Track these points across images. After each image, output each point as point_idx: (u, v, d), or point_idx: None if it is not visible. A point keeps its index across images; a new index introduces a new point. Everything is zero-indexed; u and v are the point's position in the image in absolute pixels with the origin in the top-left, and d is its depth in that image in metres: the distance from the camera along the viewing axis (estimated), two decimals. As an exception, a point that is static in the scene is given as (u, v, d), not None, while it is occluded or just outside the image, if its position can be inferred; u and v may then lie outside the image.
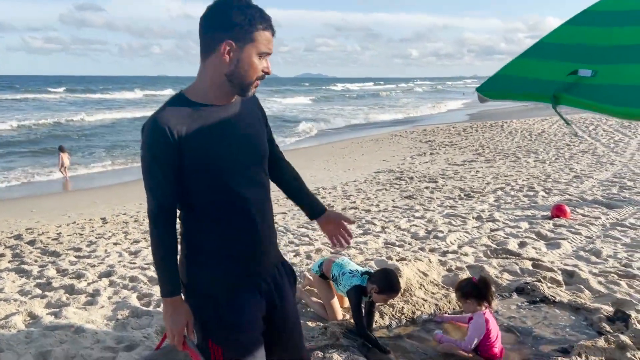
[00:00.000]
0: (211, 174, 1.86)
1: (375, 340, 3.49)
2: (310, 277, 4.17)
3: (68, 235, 7.18)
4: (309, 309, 4.05)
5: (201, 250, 1.95)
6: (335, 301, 3.91)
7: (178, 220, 1.96)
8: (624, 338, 3.37)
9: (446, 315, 3.57)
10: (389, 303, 3.98)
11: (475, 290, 3.40)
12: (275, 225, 7.07)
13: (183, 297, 1.97)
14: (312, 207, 2.34)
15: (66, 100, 49.35)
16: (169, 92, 54.48)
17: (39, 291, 4.80)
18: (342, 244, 2.36)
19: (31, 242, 6.73)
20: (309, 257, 5.57)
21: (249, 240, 1.97)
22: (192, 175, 1.85)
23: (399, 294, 3.62)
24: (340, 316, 3.87)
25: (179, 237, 1.94)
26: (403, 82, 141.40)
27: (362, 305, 3.62)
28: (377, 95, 61.46)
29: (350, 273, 3.73)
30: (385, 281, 3.54)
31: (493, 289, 3.55)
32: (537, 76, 2.83)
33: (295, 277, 2.24)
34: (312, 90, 74.62)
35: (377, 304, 3.77)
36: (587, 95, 2.56)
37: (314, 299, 4.06)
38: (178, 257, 1.96)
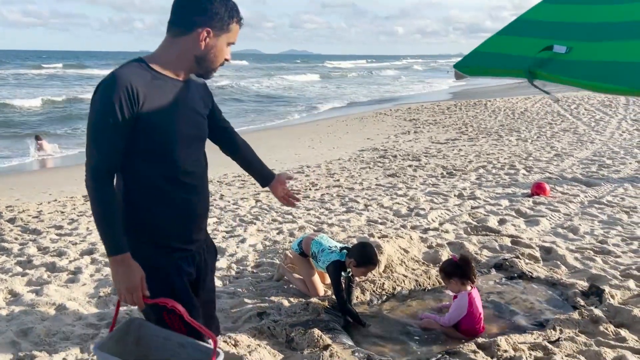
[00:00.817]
0: (160, 144, 1.92)
1: (356, 315, 3.55)
2: (291, 255, 4.20)
3: (49, 213, 7.12)
4: (291, 286, 4.09)
5: (142, 222, 1.99)
6: (316, 277, 3.95)
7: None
8: (597, 312, 3.47)
9: (426, 313, 3.63)
10: (369, 278, 4.04)
11: (457, 269, 3.44)
12: (259, 204, 7.08)
13: None
14: (263, 175, 2.53)
15: (70, 75, 47.29)
16: None
17: (19, 269, 4.77)
18: (291, 203, 2.58)
19: (11, 220, 6.66)
20: (292, 234, 5.60)
21: (189, 213, 2.06)
22: (142, 142, 1.89)
23: (378, 267, 3.66)
24: (321, 292, 3.92)
25: None
26: (392, 59, 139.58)
27: (342, 280, 3.67)
28: (376, 73, 59.37)
29: (329, 249, 3.78)
30: (363, 254, 3.60)
31: (474, 266, 3.60)
32: (514, 52, 2.86)
33: (216, 252, 2.39)
34: (309, 68, 72.58)
35: (356, 279, 3.82)
36: (561, 70, 2.59)
37: (296, 275, 4.10)
38: None
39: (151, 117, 1.87)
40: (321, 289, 3.94)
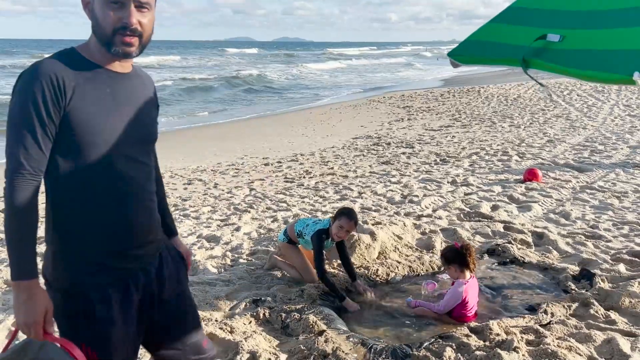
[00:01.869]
0: (93, 143, 1.66)
1: (333, 285, 3.68)
2: (280, 247, 4.22)
3: (42, 203, 7.09)
4: (286, 274, 4.12)
5: (70, 238, 1.71)
6: (308, 264, 3.98)
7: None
8: (587, 295, 3.52)
9: (420, 301, 3.65)
10: (363, 265, 4.08)
11: (456, 256, 3.46)
12: (253, 192, 7.07)
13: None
14: (167, 228, 2.10)
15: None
16: (177, 58, 52.59)
17: (14, 259, 4.77)
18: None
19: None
20: (286, 222, 5.63)
21: (125, 226, 1.76)
22: (71, 141, 1.64)
23: (354, 222, 3.80)
24: (315, 277, 3.94)
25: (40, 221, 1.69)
26: (391, 46, 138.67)
27: (325, 252, 3.83)
28: (390, 61, 57.43)
29: (313, 223, 3.94)
30: (341, 209, 3.89)
31: (475, 255, 3.61)
32: (508, 41, 2.87)
33: (183, 259, 2.07)
34: (317, 55, 70.67)
35: (339, 238, 3.88)
36: (554, 59, 2.61)
37: (288, 262, 4.13)
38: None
39: (82, 111, 1.62)
40: (315, 274, 3.97)
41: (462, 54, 3.08)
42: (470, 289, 3.42)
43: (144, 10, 1.69)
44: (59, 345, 1.65)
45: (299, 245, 4.03)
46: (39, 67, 1.60)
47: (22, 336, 1.68)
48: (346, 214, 3.79)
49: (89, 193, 1.69)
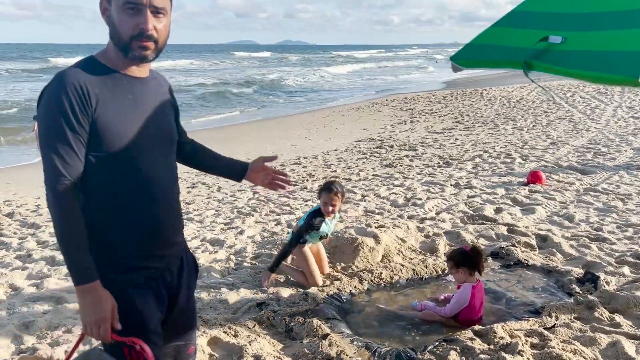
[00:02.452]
0: (119, 148, 1.70)
1: (283, 257, 3.89)
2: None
3: (47, 207, 7.12)
4: (290, 278, 4.12)
5: (100, 241, 1.74)
6: (315, 268, 3.99)
7: None
8: (592, 298, 3.52)
9: (426, 302, 3.63)
10: (367, 268, 4.07)
11: (467, 259, 3.43)
12: (256, 195, 7.08)
13: None
14: (234, 169, 2.20)
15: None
16: (187, 62, 52.74)
17: (19, 263, 4.79)
18: (282, 186, 2.22)
19: (9, 215, 6.67)
20: (290, 225, 5.63)
21: (153, 226, 1.81)
22: (98, 147, 1.68)
23: (334, 193, 3.87)
24: (320, 282, 3.95)
25: None
26: (397, 49, 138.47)
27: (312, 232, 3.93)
28: (405, 63, 56.57)
29: (309, 210, 4.05)
30: (321, 185, 4.00)
31: (484, 257, 3.59)
32: (509, 44, 2.88)
33: (197, 268, 2.12)
34: (325, 59, 69.72)
35: (330, 213, 3.95)
36: (556, 61, 2.62)
37: (293, 267, 4.14)
38: None
39: (107, 118, 1.67)
40: (319, 279, 3.98)
41: (465, 57, 3.09)
42: (477, 292, 3.41)
43: (160, 16, 1.73)
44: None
45: (309, 245, 4.03)
46: (63, 78, 1.64)
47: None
48: (325, 189, 3.87)
49: (118, 196, 1.74)
